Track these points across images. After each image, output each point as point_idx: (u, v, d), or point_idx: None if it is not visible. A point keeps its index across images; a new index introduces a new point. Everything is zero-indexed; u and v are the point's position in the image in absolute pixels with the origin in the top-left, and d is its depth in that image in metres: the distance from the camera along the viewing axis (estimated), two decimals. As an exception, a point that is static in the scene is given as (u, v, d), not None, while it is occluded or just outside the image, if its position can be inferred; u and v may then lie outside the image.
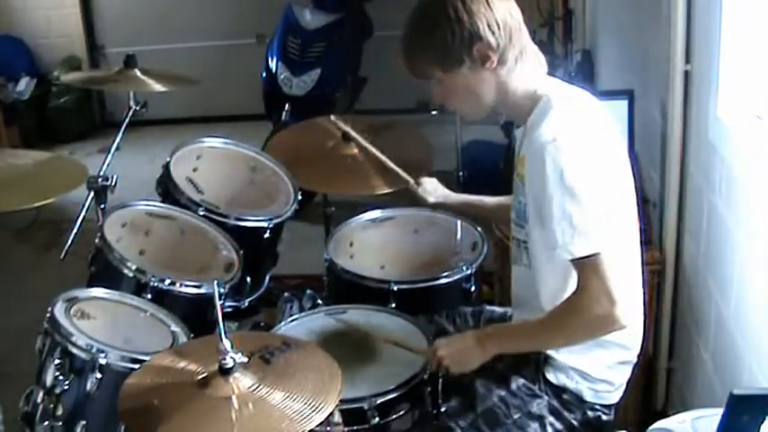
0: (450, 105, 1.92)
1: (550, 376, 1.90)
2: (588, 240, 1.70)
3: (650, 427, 1.52)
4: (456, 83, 1.85)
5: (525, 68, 1.84)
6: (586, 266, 1.71)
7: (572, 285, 1.78)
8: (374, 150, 2.53)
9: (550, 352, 1.89)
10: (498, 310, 2.22)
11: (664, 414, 2.58)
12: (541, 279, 1.88)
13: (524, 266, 1.93)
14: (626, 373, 1.95)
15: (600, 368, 1.89)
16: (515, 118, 1.94)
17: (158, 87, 2.88)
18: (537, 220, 1.81)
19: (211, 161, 2.77)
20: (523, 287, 1.97)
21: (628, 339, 1.89)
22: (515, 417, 1.89)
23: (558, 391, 1.90)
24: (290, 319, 2.24)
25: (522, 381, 1.92)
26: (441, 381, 1.97)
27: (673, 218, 2.55)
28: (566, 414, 1.90)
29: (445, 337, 1.98)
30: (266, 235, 2.65)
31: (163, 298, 2.30)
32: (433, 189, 2.41)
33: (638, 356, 1.97)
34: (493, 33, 1.78)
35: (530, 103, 1.85)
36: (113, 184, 2.65)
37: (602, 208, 1.72)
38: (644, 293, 1.96)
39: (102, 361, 1.98)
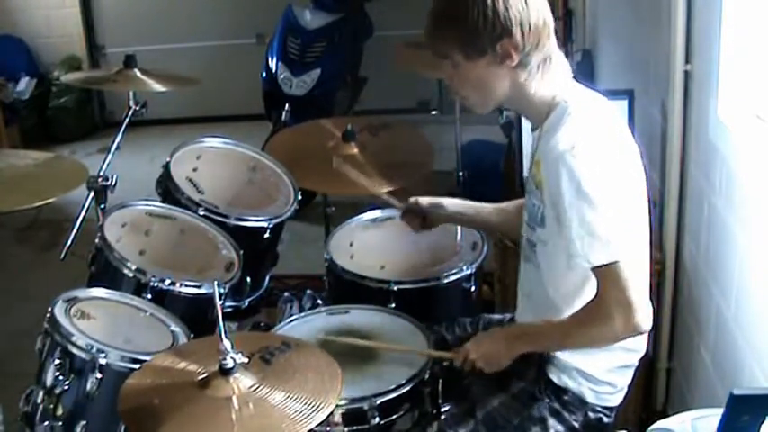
0: (458, 91, 1.88)
1: (553, 376, 1.90)
2: (607, 249, 1.69)
3: (650, 428, 1.52)
4: (471, 72, 1.81)
5: (547, 76, 1.82)
6: (605, 274, 1.70)
7: (590, 286, 1.77)
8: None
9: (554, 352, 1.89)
10: (496, 317, 2.21)
11: (664, 414, 2.59)
12: (557, 280, 1.87)
13: (534, 266, 1.92)
14: (628, 375, 1.94)
15: (603, 370, 1.88)
16: (530, 120, 1.92)
17: (158, 87, 2.88)
18: (556, 225, 1.78)
19: (211, 161, 2.77)
20: (531, 284, 1.96)
21: (632, 343, 1.87)
22: (516, 421, 1.89)
23: (559, 392, 1.90)
24: (289, 319, 2.24)
25: (522, 384, 1.91)
26: (441, 381, 1.97)
27: (673, 218, 2.55)
28: (567, 415, 1.90)
29: (472, 339, 1.94)
30: (266, 235, 2.65)
31: (163, 298, 2.30)
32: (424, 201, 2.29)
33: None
34: (523, 34, 1.75)
35: (546, 107, 1.83)
36: (113, 184, 2.66)
37: (621, 215, 1.71)
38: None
39: (102, 361, 1.98)
